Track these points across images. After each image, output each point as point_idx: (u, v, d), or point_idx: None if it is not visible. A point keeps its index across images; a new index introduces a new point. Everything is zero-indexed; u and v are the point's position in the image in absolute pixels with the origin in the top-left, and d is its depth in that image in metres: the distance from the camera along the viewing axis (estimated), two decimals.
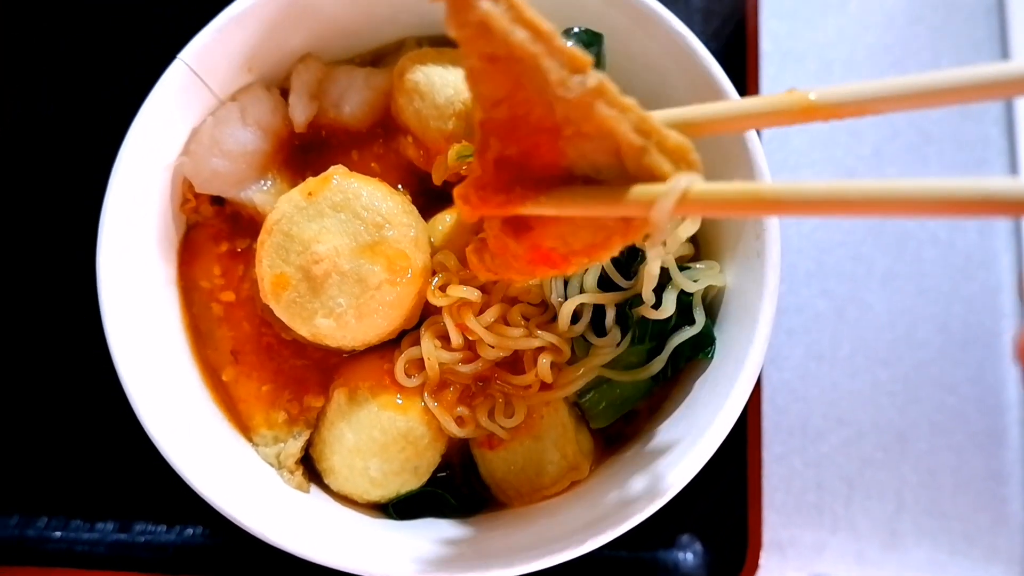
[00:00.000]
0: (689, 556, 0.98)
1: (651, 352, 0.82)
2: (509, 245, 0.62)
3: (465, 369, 0.80)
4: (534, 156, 0.57)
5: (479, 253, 0.67)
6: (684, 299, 0.81)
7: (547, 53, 0.53)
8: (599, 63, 0.72)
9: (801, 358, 1.09)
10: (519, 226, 0.61)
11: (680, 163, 0.54)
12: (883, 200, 0.46)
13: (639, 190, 0.54)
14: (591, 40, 0.84)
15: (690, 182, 0.52)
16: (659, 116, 0.57)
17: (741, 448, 0.98)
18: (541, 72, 0.53)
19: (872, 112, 0.54)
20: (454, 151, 0.79)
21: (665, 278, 0.81)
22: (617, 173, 0.55)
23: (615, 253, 0.59)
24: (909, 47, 1.18)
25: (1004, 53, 1.17)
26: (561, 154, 0.56)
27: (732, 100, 0.61)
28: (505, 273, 0.65)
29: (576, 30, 0.83)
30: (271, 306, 0.79)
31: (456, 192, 0.61)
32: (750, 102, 0.59)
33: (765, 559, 1.03)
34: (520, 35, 0.53)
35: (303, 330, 0.78)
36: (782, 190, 0.50)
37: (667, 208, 0.52)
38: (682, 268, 0.82)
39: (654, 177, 0.53)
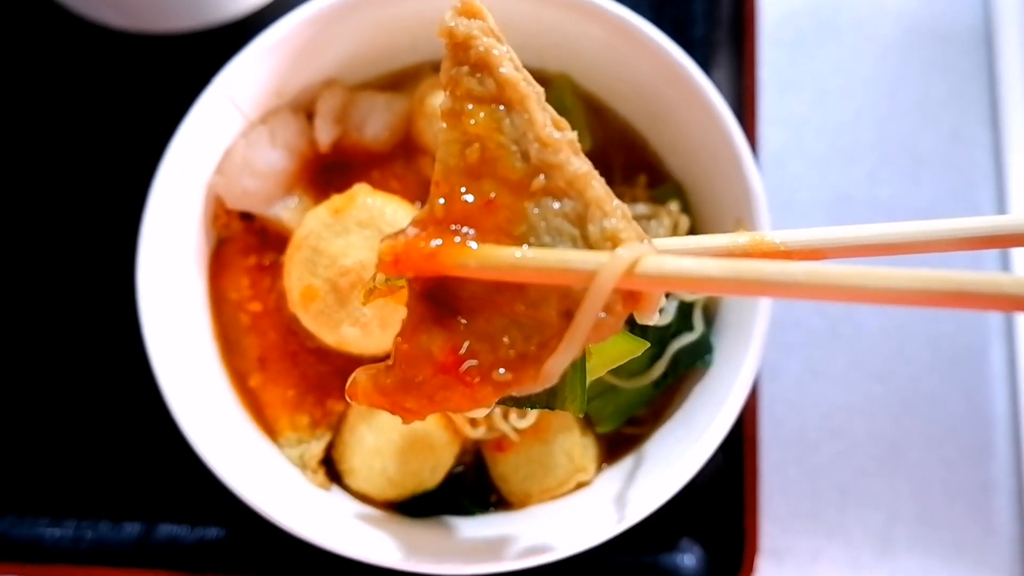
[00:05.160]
0: (688, 560, 1.02)
1: (652, 358, 0.87)
2: (423, 340, 0.52)
3: None
4: (486, 215, 0.52)
5: (373, 376, 0.55)
6: (684, 306, 0.86)
7: (537, 99, 0.53)
8: None
9: (797, 372, 1.13)
10: (445, 307, 0.53)
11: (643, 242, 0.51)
12: (830, 287, 0.44)
13: (590, 255, 0.49)
14: None
15: (644, 251, 0.48)
16: None
17: (739, 457, 1.01)
18: (528, 112, 0.52)
19: (828, 257, 0.54)
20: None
21: None
22: (575, 246, 0.51)
23: (549, 379, 0.50)
24: (902, 78, 1.23)
25: (992, 84, 1.22)
26: (519, 215, 0.52)
27: (692, 238, 0.57)
28: (404, 397, 0.53)
29: None
30: (299, 316, 0.84)
31: (382, 245, 0.54)
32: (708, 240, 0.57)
33: (762, 565, 1.06)
34: (515, 74, 0.53)
35: (329, 338, 0.83)
36: (746, 271, 0.46)
37: (611, 275, 0.48)
38: None
39: (614, 245, 0.50)
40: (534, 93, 0.53)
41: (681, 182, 0.95)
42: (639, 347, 0.65)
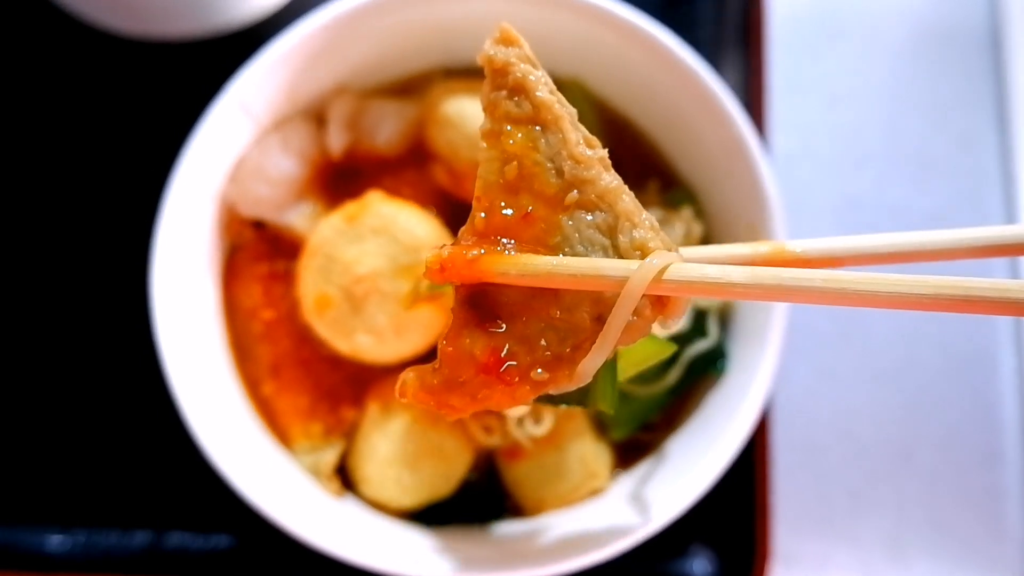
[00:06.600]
0: (699, 565, 1.02)
1: (666, 364, 0.87)
2: (466, 340, 0.57)
3: None
4: (524, 227, 0.57)
5: (421, 376, 0.58)
6: (698, 313, 0.86)
7: (570, 120, 0.58)
8: None
9: (807, 376, 1.13)
10: (486, 313, 0.57)
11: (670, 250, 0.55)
12: (851, 293, 0.47)
13: (621, 263, 0.54)
14: None
15: (671, 259, 0.53)
16: None
17: (750, 461, 1.01)
18: (563, 132, 0.57)
19: (846, 265, 0.56)
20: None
21: None
22: (607, 255, 0.56)
23: (582, 379, 0.55)
24: (909, 81, 1.23)
25: (1000, 87, 1.22)
26: (555, 227, 0.56)
27: (713, 246, 0.61)
28: (448, 395, 0.57)
29: None
30: (313, 324, 0.84)
31: (430, 257, 0.58)
32: (729, 249, 0.60)
33: (773, 570, 1.06)
34: (549, 97, 0.58)
35: (343, 346, 0.83)
36: (767, 277, 0.50)
37: (642, 281, 0.52)
38: None
39: (643, 255, 0.54)
40: (567, 114, 0.58)
41: (694, 187, 0.95)
42: (667, 349, 0.69)
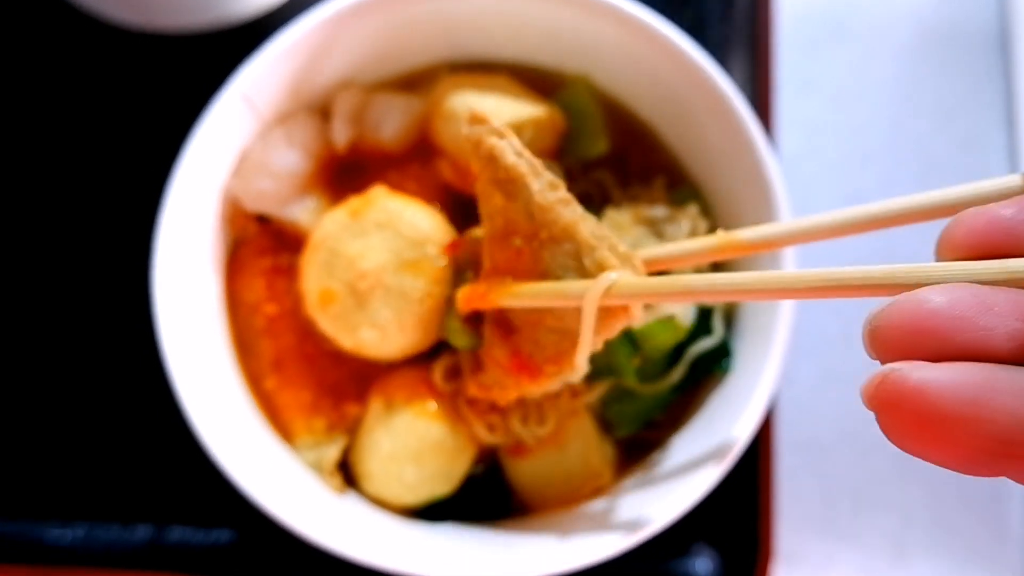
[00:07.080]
0: (702, 564, 1.01)
1: (669, 362, 0.86)
2: (495, 351, 0.75)
3: None
4: (518, 262, 0.71)
5: (474, 374, 0.80)
6: (703, 310, 0.86)
7: (533, 174, 0.70)
8: None
9: (811, 375, 1.13)
10: (506, 327, 0.74)
11: (626, 264, 0.67)
12: (796, 288, 0.53)
13: (580, 283, 0.66)
14: None
15: (618, 276, 0.64)
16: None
17: (754, 461, 1.01)
18: (527, 186, 0.70)
19: (788, 245, 0.69)
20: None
21: None
22: (579, 275, 0.68)
23: (581, 368, 0.71)
24: (916, 81, 1.22)
25: (1008, 87, 1.21)
26: (538, 259, 0.70)
27: (673, 244, 0.73)
28: (492, 388, 0.78)
29: None
30: (316, 319, 0.83)
31: (458, 293, 0.78)
32: (681, 246, 0.71)
33: (775, 569, 1.06)
34: (515, 160, 0.70)
35: (347, 342, 0.83)
36: (701, 282, 0.59)
37: (594, 297, 0.64)
38: None
39: (601, 271, 0.66)
40: (530, 169, 0.71)
41: (700, 184, 0.95)
42: (682, 330, 0.83)
